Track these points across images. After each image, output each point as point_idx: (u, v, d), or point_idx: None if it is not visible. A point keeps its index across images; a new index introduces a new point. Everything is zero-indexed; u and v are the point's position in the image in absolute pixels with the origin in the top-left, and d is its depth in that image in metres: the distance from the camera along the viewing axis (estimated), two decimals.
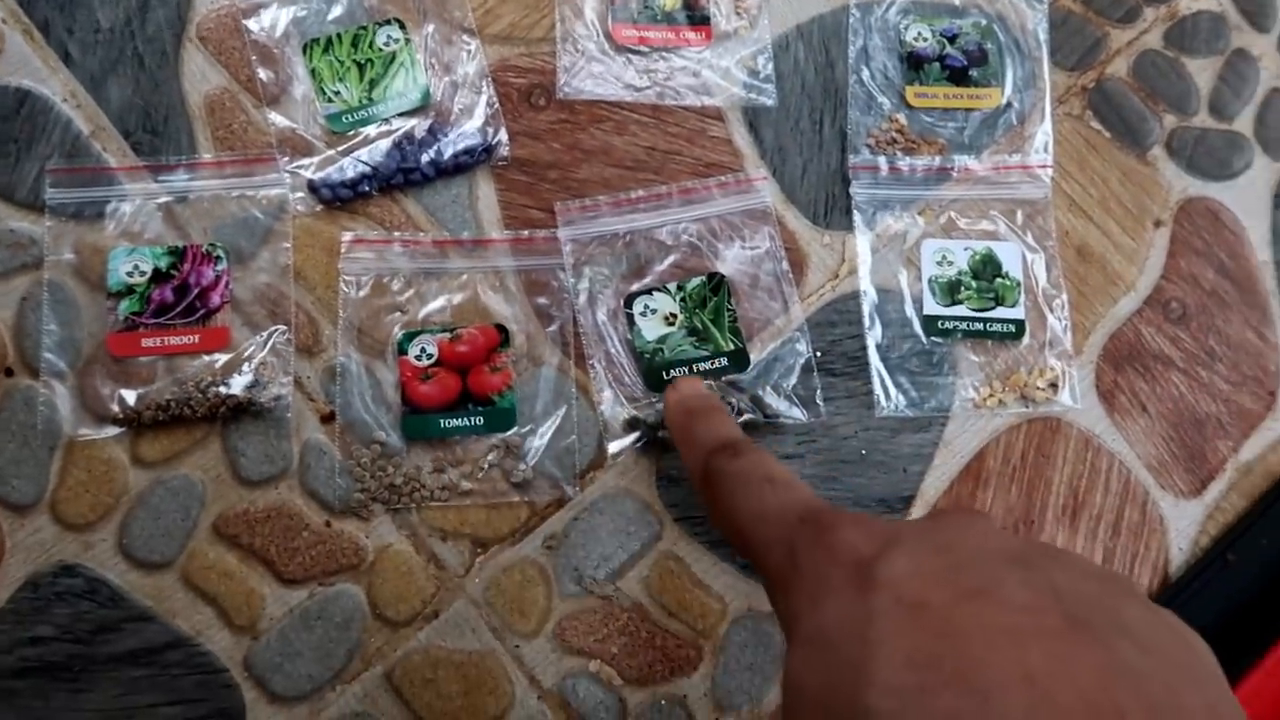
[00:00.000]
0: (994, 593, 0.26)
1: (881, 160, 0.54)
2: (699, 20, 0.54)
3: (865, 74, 0.55)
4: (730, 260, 0.51)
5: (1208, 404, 0.54)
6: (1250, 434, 0.55)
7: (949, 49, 0.56)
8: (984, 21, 0.57)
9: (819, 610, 0.28)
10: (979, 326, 0.52)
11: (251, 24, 0.52)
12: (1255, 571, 0.52)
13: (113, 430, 0.46)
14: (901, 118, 0.55)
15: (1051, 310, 0.53)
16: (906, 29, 0.56)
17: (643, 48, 0.54)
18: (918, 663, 0.24)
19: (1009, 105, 0.56)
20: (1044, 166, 0.55)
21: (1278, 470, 0.54)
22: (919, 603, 0.26)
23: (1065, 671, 0.23)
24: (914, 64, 0.56)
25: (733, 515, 0.36)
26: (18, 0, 0.51)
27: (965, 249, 0.53)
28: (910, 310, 0.53)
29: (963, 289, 0.53)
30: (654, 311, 0.50)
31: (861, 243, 0.53)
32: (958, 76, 0.56)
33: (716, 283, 0.51)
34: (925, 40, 0.56)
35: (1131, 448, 0.53)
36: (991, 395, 0.52)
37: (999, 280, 0.53)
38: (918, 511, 0.51)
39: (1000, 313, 0.53)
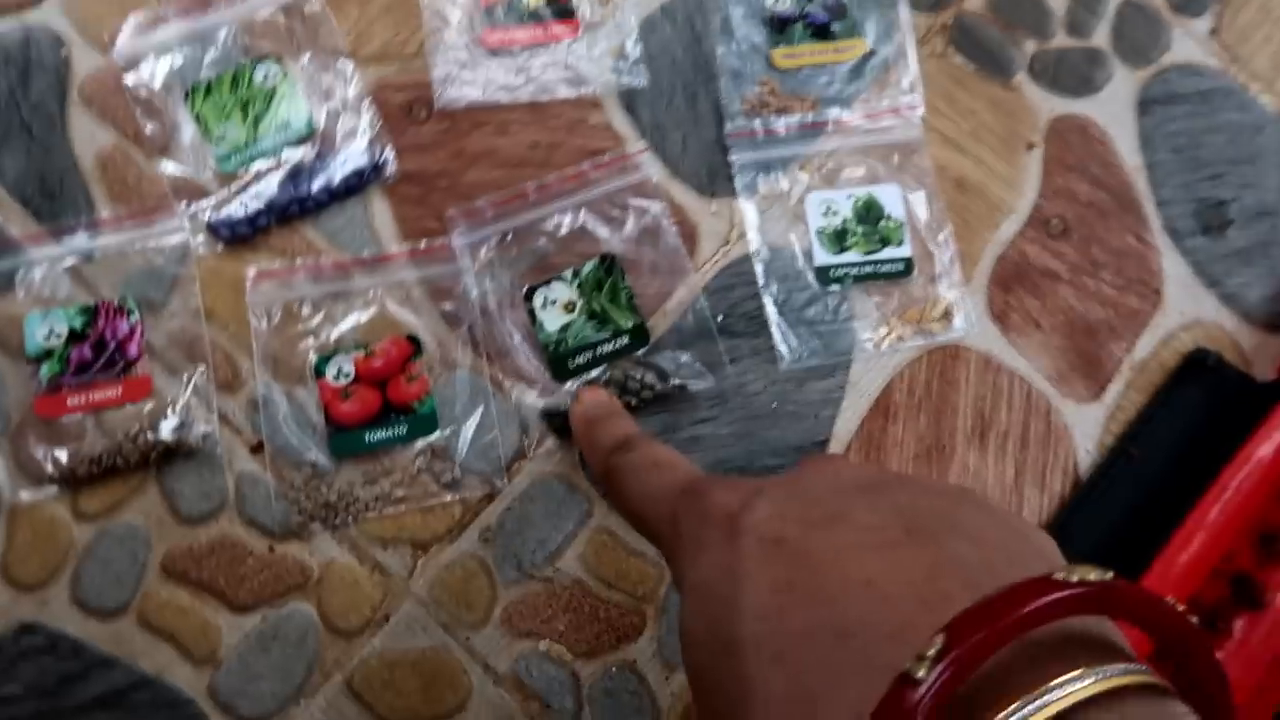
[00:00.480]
0: (843, 519, 0.28)
1: (756, 123, 0.56)
2: (564, 14, 0.56)
3: (731, 44, 0.57)
4: (622, 239, 0.53)
5: (1097, 311, 0.57)
6: (1141, 333, 0.57)
7: (809, 7, 0.58)
8: None
9: (697, 564, 0.31)
10: (869, 269, 0.55)
11: (130, 79, 0.53)
12: (1159, 461, 0.55)
13: (52, 490, 0.48)
14: (772, 80, 0.57)
15: (937, 244, 0.56)
16: None
17: (513, 48, 0.56)
18: (778, 588, 0.27)
19: (873, 53, 0.58)
20: (913, 108, 0.57)
21: (1170, 363, 0.57)
22: (777, 538, 0.28)
23: (900, 572, 0.26)
24: (777, 27, 0.58)
25: (628, 502, 0.39)
26: None
27: (848, 197, 0.56)
28: (802, 264, 0.55)
29: (849, 236, 0.55)
30: (553, 302, 0.52)
31: (747, 207, 0.55)
32: (821, 32, 0.58)
33: (609, 263, 0.53)
34: (785, 2, 0.58)
35: (1030, 363, 0.56)
36: (890, 333, 0.55)
37: (883, 223, 0.55)
38: (834, 452, 0.54)
39: (888, 253, 0.55)
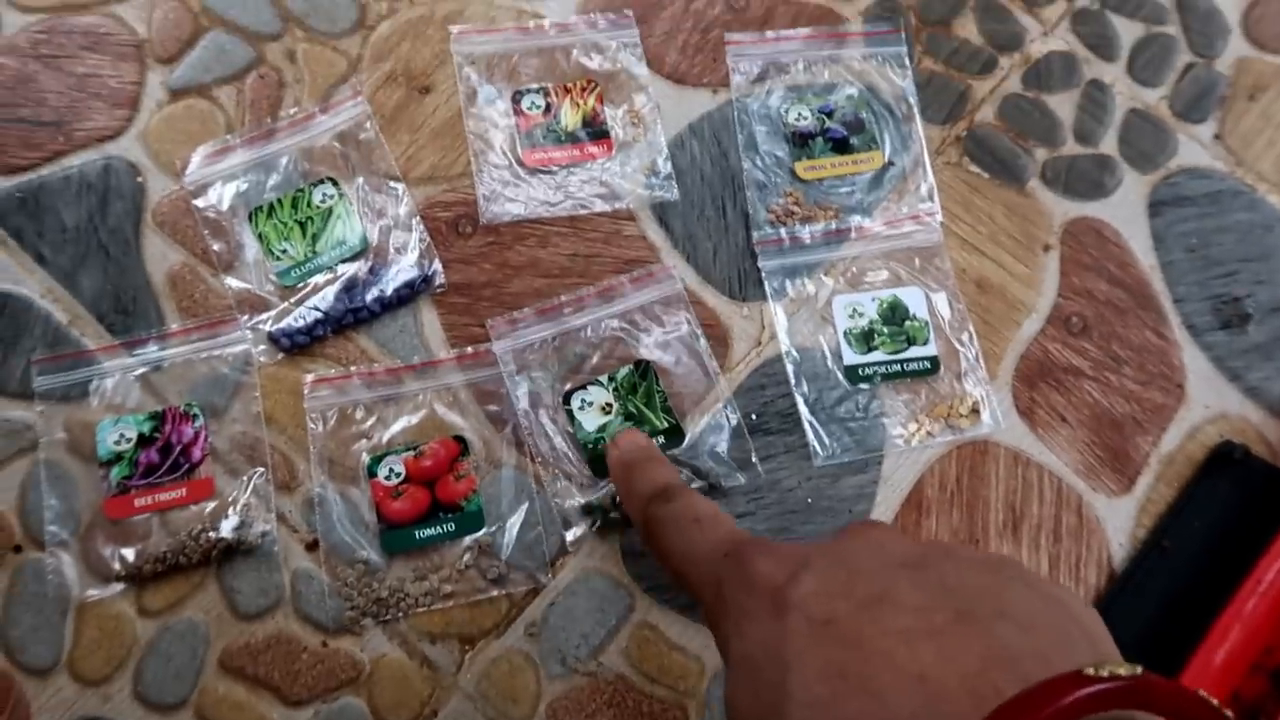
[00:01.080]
0: (891, 599, 0.29)
1: (783, 232, 0.59)
2: (599, 135, 0.60)
3: (756, 158, 0.61)
4: (653, 346, 0.56)
5: (1122, 405, 0.59)
6: (1167, 426, 0.59)
7: (829, 123, 0.62)
8: (856, 93, 0.63)
9: (743, 637, 0.31)
10: (896, 368, 0.57)
11: (200, 202, 0.58)
12: (1192, 554, 0.55)
13: (117, 587, 0.51)
14: (796, 191, 0.60)
15: (960, 342, 0.58)
16: (787, 112, 0.62)
17: (552, 167, 0.60)
18: (828, 674, 0.27)
19: (891, 164, 0.61)
20: (931, 214, 0.60)
21: (1198, 456, 0.58)
22: (826, 619, 0.29)
23: (951, 664, 0.26)
24: (799, 142, 0.61)
25: (669, 558, 0.40)
26: None
27: (873, 299, 0.58)
28: (831, 363, 0.57)
29: (876, 336, 0.58)
30: (590, 404, 0.55)
31: (777, 310, 0.58)
32: (841, 146, 0.61)
33: (643, 369, 0.55)
34: (806, 119, 0.62)
35: (1058, 457, 0.58)
36: (920, 429, 0.57)
37: (908, 323, 0.58)
38: None
39: (914, 352, 0.57)
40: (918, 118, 0.63)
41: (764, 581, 0.32)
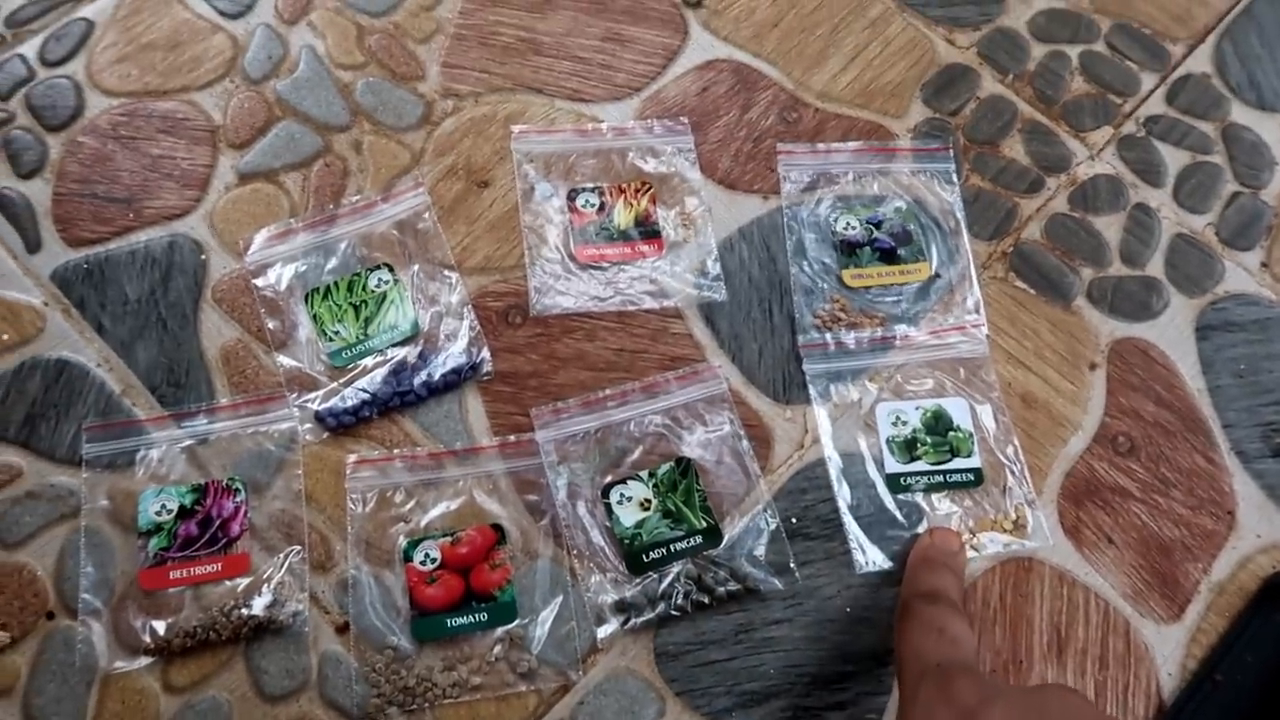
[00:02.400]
0: None
1: (828, 337, 0.60)
2: (650, 234, 0.61)
3: (804, 264, 0.62)
4: (695, 444, 0.56)
5: (1170, 529, 0.57)
6: (1217, 554, 0.57)
7: (877, 234, 0.63)
8: (904, 206, 0.64)
9: None
10: (939, 479, 0.56)
11: (259, 282, 0.59)
12: (1245, 689, 0.53)
13: (145, 660, 0.50)
14: (842, 297, 0.61)
15: (1005, 456, 0.58)
16: (836, 221, 0.63)
17: (603, 263, 0.61)
18: None
19: (938, 276, 0.62)
20: (977, 326, 0.61)
21: (1250, 586, 0.56)
22: None
23: None
24: (847, 250, 0.62)
25: (901, 646, 0.45)
26: (58, 284, 0.58)
27: (916, 408, 0.58)
28: (873, 471, 0.57)
29: (919, 445, 0.57)
30: (629, 499, 0.54)
31: (820, 414, 0.58)
32: (888, 256, 0.62)
33: (684, 466, 0.55)
34: (854, 229, 0.63)
35: (1105, 579, 0.56)
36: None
37: (951, 433, 0.57)
38: None
39: (958, 463, 0.57)
40: (964, 232, 0.63)
41: (959, 699, 0.36)
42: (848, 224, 0.63)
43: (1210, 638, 0.55)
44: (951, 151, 0.66)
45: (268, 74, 0.66)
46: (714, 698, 0.52)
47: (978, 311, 0.61)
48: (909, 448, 0.57)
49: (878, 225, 0.63)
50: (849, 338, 0.60)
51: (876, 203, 0.64)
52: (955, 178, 0.65)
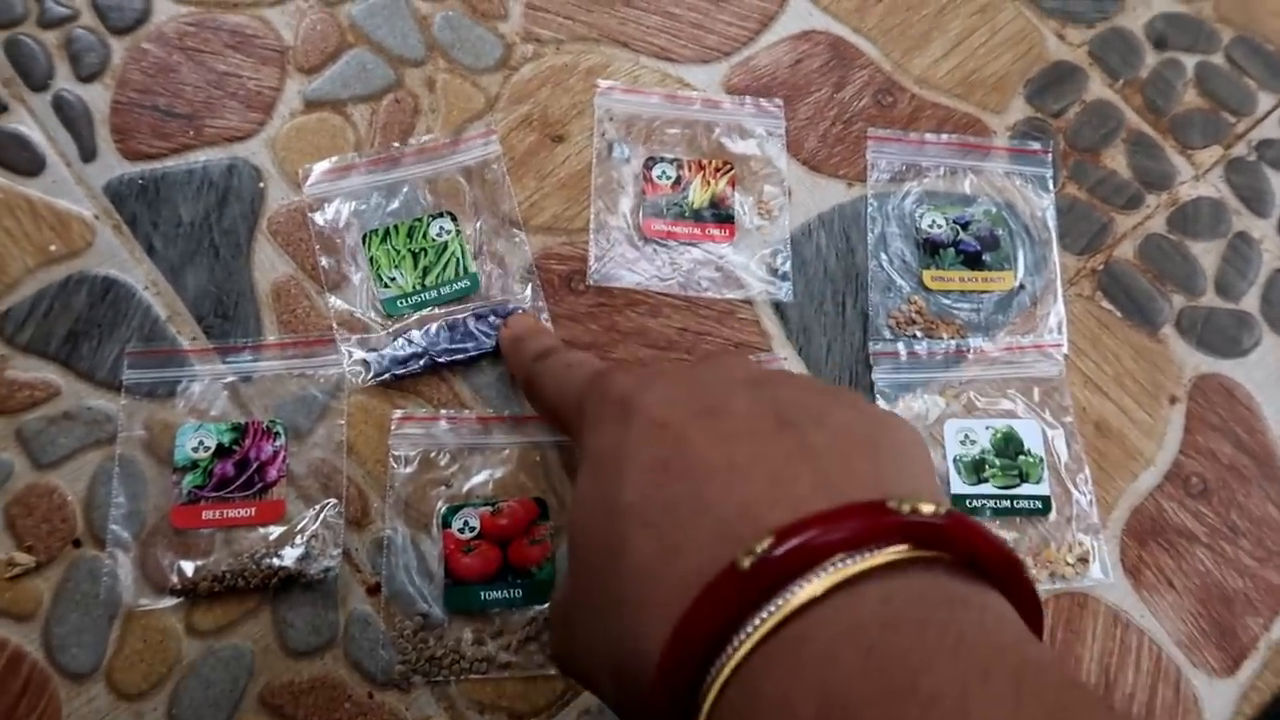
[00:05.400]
0: (724, 411, 0.32)
1: (900, 346, 0.57)
2: (724, 218, 0.58)
3: (884, 259, 0.59)
4: None
5: (1234, 580, 0.55)
6: None
7: (962, 235, 0.60)
8: (994, 209, 0.60)
9: (595, 437, 0.35)
10: (1006, 504, 0.54)
11: (317, 217, 0.57)
12: None
13: (170, 600, 0.49)
14: (920, 299, 0.58)
15: (1076, 486, 0.55)
16: (921, 217, 0.60)
17: (670, 241, 0.58)
18: (655, 466, 0.31)
19: (1022, 287, 0.59)
20: (1056, 345, 0.58)
21: None
22: (663, 423, 0.32)
23: (761, 457, 0.29)
24: (930, 250, 0.59)
25: (545, 401, 0.44)
26: (110, 198, 0.56)
27: (986, 428, 0.56)
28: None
29: (987, 467, 0.55)
30: None
31: None
32: (972, 261, 0.59)
33: None
34: (940, 227, 0.60)
35: (1160, 624, 0.54)
36: None
37: (1021, 457, 0.55)
38: None
39: (1026, 489, 0.54)
40: (1055, 243, 0.60)
41: (617, 392, 0.35)
42: (933, 221, 0.60)
43: (1264, 697, 0.53)
44: (1051, 156, 0.62)
45: None
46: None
47: (1060, 330, 0.58)
48: (977, 469, 0.55)
49: (964, 226, 0.60)
50: (921, 347, 0.57)
51: (966, 202, 0.61)
52: (1051, 184, 0.62)
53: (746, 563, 0.25)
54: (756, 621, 0.24)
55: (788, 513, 0.26)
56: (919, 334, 0.57)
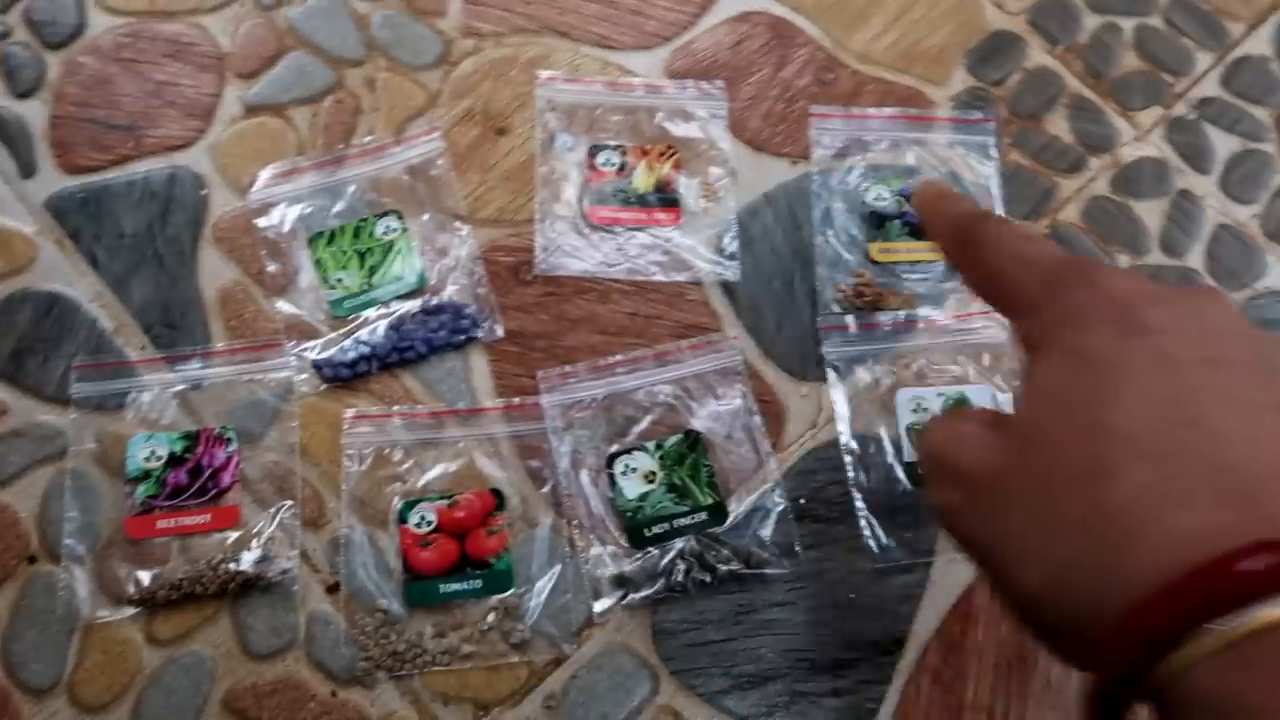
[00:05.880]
0: (1234, 366, 0.31)
1: (850, 319, 0.57)
2: (669, 202, 0.59)
3: (830, 234, 0.59)
4: (706, 417, 0.54)
5: None
6: None
7: (907, 207, 0.60)
8: (939, 178, 0.61)
9: (1082, 334, 0.33)
10: None
11: (262, 222, 0.57)
12: None
13: (129, 611, 0.49)
14: (867, 272, 0.58)
15: None
16: (867, 190, 0.60)
17: (616, 228, 0.58)
18: (1162, 400, 0.30)
19: None
20: None
21: None
22: (1171, 355, 0.31)
23: (1273, 437, 0.28)
24: (876, 222, 0.60)
25: (991, 263, 0.39)
26: (52, 212, 0.56)
27: (938, 395, 0.56)
28: (892, 457, 0.55)
29: None
30: (634, 470, 0.52)
31: (837, 396, 0.56)
32: (917, 231, 0.59)
33: (693, 440, 0.53)
34: (885, 200, 0.60)
35: None
36: None
37: None
38: (911, 654, 0.52)
39: None
40: (1001, 210, 0.61)
41: (1118, 295, 0.33)
42: (878, 194, 0.60)
43: None
44: (993, 124, 0.63)
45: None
46: (710, 679, 0.51)
47: None
48: None
49: (909, 197, 0.60)
50: (870, 318, 0.57)
51: (910, 173, 0.61)
52: (994, 152, 0.62)
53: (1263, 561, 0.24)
54: None
55: None
56: (867, 305, 0.58)
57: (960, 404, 0.56)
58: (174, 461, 0.51)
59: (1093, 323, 0.33)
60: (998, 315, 0.56)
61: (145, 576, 0.49)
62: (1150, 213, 0.62)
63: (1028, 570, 0.31)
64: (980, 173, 0.61)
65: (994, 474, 0.34)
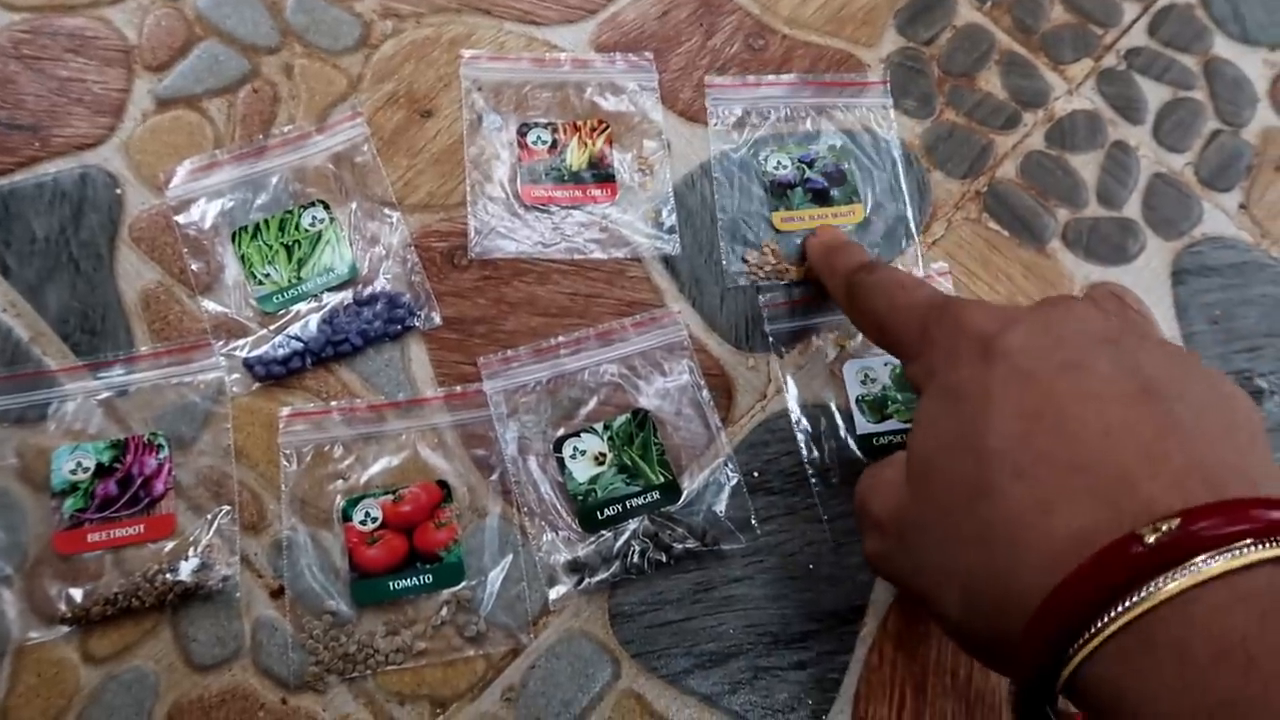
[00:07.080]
0: (1087, 366, 0.33)
1: (795, 293, 0.56)
2: (604, 179, 0.57)
3: (734, 205, 0.58)
4: (653, 394, 0.53)
5: None
6: None
7: (809, 173, 0.59)
8: (838, 144, 0.60)
9: (951, 370, 0.35)
10: None
11: (182, 219, 0.55)
12: None
13: (62, 630, 0.47)
14: (773, 242, 0.58)
15: None
16: (766, 159, 0.59)
17: (551, 206, 0.57)
18: (1025, 415, 0.32)
19: (871, 220, 0.59)
20: (943, 274, 0.58)
21: None
22: (1029, 372, 0.33)
23: (1131, 425, 0.30)
24: (778, 191, 0.59)
25: (873, 314, 0.44)
26: None
27: (885, 364, 0.55)
28: (844, 429, 0.54)
29: (889, 404, 0.55)
30: (583, 453, 0.51)
31: (785, 376, 0.55)
32: (820, 197, 0.59)
33: (642, 418, 0.52)
34: (785, 168, 0.59)
35: None
36: None
37: None
38: (873, 621, 0.52)
39: None
40: (902, 172, 0.60)
41: (975, 329, 0.35)
42: (779, 163, 0.59)
43: None
44: (887, 85, 0.62)
45: None
46: (671, 659, 0.50)
47: (941, 259, 0.58)
48: (880, 406, 0.54)
49: (810, 164, 0.59)
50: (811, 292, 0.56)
51: (809, 140, 0.60)
52: (892, 113, 0.61)
53: (1151, 537, 0.26)
54: (1158, 584, 0.26)
55: (1167, 489, 0.28)
56: (774, 277, 0.57)
57: None
58: (102, 472, 0.49)
59: (960, 357, 0.35)
60: (938, 279, 0.56)
61: (78, 593, 0.47)
62: (1086, 165, 0.62)
63: (946, 598, 0.33)
64: (880, 135, 0.61)
65: (900, 514, 0.36)
